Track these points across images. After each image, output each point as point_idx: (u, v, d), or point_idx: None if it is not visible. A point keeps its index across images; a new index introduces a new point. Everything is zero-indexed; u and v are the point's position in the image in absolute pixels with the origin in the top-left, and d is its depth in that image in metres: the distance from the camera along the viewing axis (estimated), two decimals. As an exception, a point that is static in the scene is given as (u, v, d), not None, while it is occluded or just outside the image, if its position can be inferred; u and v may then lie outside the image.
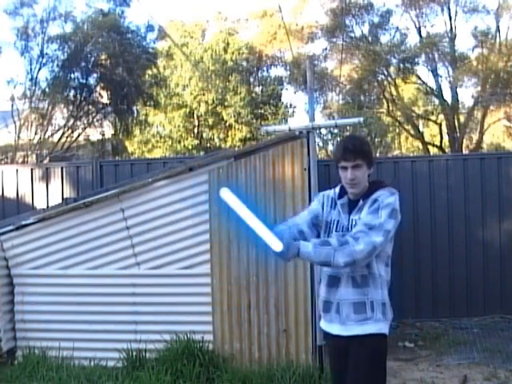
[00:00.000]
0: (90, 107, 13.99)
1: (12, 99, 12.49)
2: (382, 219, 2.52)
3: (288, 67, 20.41)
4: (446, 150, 16.72)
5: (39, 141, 12.67)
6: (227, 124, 20.87)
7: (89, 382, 4.78)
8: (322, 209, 2.76)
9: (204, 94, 20.85)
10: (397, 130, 19.98)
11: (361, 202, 2.65)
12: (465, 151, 15.97)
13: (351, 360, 2.59)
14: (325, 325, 2.76)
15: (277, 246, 2.33)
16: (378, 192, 2.63)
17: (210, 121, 21.02)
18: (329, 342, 2.82)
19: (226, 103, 20.62)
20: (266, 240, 2.33)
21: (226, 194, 2.41)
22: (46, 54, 12.86)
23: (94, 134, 14.50)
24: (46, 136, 13.01)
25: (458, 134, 15.66)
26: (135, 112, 15.12)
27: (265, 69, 22.38)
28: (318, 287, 2.86)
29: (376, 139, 20.68)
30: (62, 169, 7.59)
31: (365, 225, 2.52)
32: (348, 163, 2.61)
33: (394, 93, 16.92)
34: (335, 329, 2.66)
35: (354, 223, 2.62)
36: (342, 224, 2.67)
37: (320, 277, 2.79)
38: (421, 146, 18.28)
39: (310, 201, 4.66)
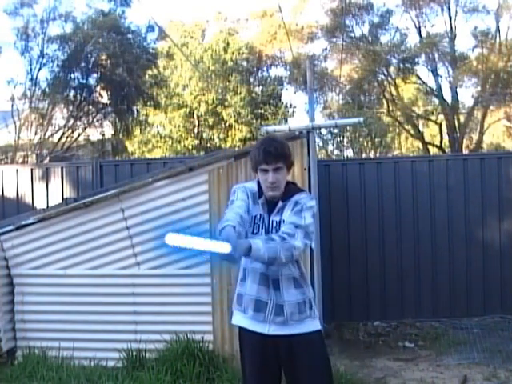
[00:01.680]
0: (90, 107, 14.00)
1: (12, 99, 12.50)
2: (307, 221, 2.57)
3: (288, 67, 20.44)
4: (446, 150, 16.73)
5: (39, 141, 12.68)
6: (227, 124, 20.88)
7: (89, 382, 4.77)
8: (248, 202, 2.70)
9: (204, 94, 20.86)
10: (397, 130, 20.00)
11: (280, 203, 2.65)
12: (465, 151, 15.98)
13: (301, 360, 2.60)
14: (250, 323, 2.66)
15: (224, 248, 2.24)
16: (298, 195, 2.65)
17: (210, 121, 21.03)
18: (250, 340, 2.69)
19: (226, 103, 20.63)
20: (214, 249, 2.24)
21: (171, 239, 2.25)
22: (46, 54, 12.88)
23: (94, 134, 14.51)
24: (46, 136, 13.02)
25: (458, 134, 15.67)
26: (135, 112, 15.13)
27: (265, 69, 22.40)
28: (238, 283, 2.73)
29: (376, 139, 20.71)
30: (62, 169, 7.59)
31: (291, 224, 2.54)
32: (269, 166, 2.59)
33: (394, 93, 16.93)
34: (271, 329, 2.62)
35: (274, 224, 2.63)
36: (265, 222, 2.66)
37: (243, 273, 2.70)
38: (421, 146, 18.29)
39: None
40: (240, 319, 2.72)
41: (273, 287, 2.61)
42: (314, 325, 2.67)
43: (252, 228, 2.66)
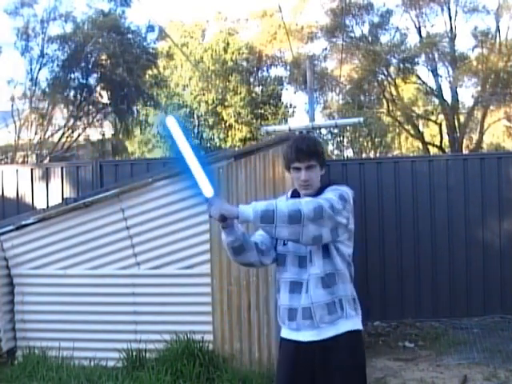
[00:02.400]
0: (90, 107, 14.01)
1: (12, 99, 12.51)
2: (327, 195, 2.46)
3: (288, 67, 20.45)
4: (446, 150, 16.73)
5: (39, 141, 12.69)
6: (227, 124, 20.89)
7: (89, 382, 4.78)
8: None
9: (204, 94, 20.87)
10: (397, 130, 20.00)
11: None
12: (465, 151, 15.98)
13: (333, 364, 2.49)
14: (289, 333, 2.58)
15: (208, 191, 2.23)
16: (331, 187, 2.59)
17: (210, 121, 21.04)
18: (286, 349, 2.60)
19: (226, 103, 20.63)
20: (199, 183, 2.24)
21: (171, 122, 2.30)
22: (47, 54, 12.89)
23: (94, 134, 14.51)
24: (46, 136, 13.02)
25: (458, 134, 15.68)
26: (135, 112, 15.14)
27: (265, 69, 22.41)
28: (276, 296, 2.66)
29: (376, 139, 20.71)
30: (62, 169, 7.59)
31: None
32: (301, 164, 2.53)
33: (394, 93, 16.93)
34: (306, 335, 2.53)
35: None
36: None
37: (278, 285, 2.63)
38: (421, 146, 18.30)
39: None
40: (282, 331, 2.66)
41: (302, 291, 2.52)
42: (347, 325, 2.52)
43: (283, 240, 2.58)
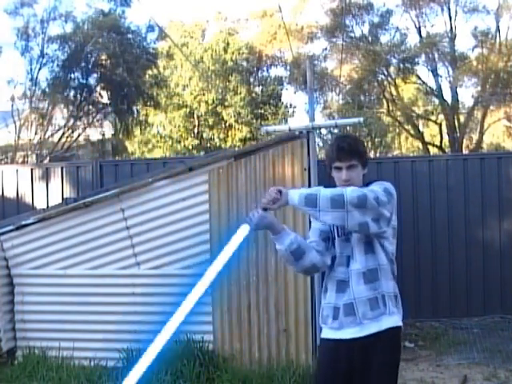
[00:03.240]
0: (90, 107, 14.00)
1: (12, 99, 12.51)
2: (372, 187, 2.46)
3: (288, 67, 20.42)
4: (446, 150, 16.71)
5: (39, 141, 12.69)
6: (227, 124, 20.88)
7: (89, 382, 4.78)
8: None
9: (204, 94, 20.85)
10: (397, 130, 19.98)
11: None
12: (465, 151, 15.96)
13: (371, 360, 2.46)
14: (332, 333, 2.56)
15: (244, 229, 2.29)
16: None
17: (210, 121, 21.02)
18: (329, 350, 2.58)
19: (226, 103, 20.62)
20: (237, 241, 2.31)
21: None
22: (47, 54, 12.89)
23: (94, 134, 14.51)
24: (46, 136, 13.02)
25: (458, 134, 15.66)
26: (135, 112, 15.13)
27: (265, 69, 22.39)
28: (321, 297, 2.65)
29: (376, 139, 20.69)
30: (62, 169, 7.59)
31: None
32: (343, 163, 2.52)
33: (394, 93, 16.91)
34: (348, 333, 2.49)
35: None
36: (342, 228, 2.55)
37: (326, 285, 2.63)
38: (421, 146, 18.27)
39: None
40: (323, 331, 2.62)
41: (344, 287, 2.50)
42: (389, 321, 2.49)
43: (331, 240, 2.60)
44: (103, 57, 13.44)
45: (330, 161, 2.58)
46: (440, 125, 17.02)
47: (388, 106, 16.82)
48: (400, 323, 2.55)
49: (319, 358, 2.68)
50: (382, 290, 2.50)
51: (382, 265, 2.51)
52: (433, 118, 17.69)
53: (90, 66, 13.27)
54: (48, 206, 6.54)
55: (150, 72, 14.94)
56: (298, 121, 25.04)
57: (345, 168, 2.52)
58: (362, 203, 2.32)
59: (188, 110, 21.06)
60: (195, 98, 20.85)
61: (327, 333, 2.59)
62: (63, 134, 13.43)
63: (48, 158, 12.41)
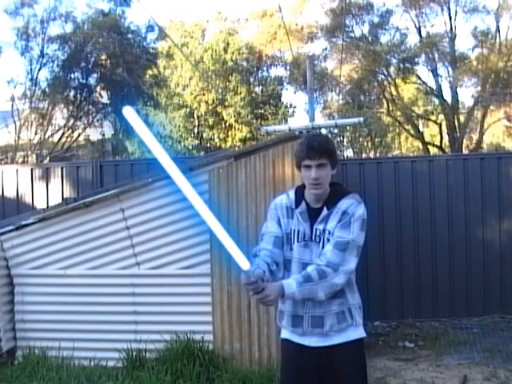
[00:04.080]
0: (90, 107, 14.00)
1: (12, 99, 12.50)
2: (355, 234, 2.45)
3: (288, 67, 20.45)
4: (446, 150, 16.72)
5: (39, 141, 12.68)
6: (227, 124, 20.88)
7: (89, 381, 4.77)
8: (280, 224, 2.58)
9: (204, 94, 20.86)
10: (397, 130, 20.01)
11: (325, 210, 2.51)
12: (465, 151, 15.97)
13: (341, 370, 2.52)
14: (292, 336, 2.59)
15: (244, 264, 2.16)
16: (345, 201, 2.51)
17: (210, 121, 21.03)
18: (291, 350, 2.60)
19: (226, 103, 20.63)
20: (234, 255, 2.16)
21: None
22: (47, 54, 12.88)
23: (94, 134, 14.51)
24: (46, 136, 13.02)
25: (458, 134, 15.67)
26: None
27: (265, 69, 22.41)
28: (279, 300, 2.55)
29: (376, 139, 20.71)
30: (62, 169, 7.59)
31: (337, 244, 2.43)
32: (313, 162, 2.47)
33: (394, 93, 16.92)
34: (312, 341, 2.53)
35: (318, 233, 2.50)
36: (303, 233, 2.53)
37: None
38: (421, 146, 18.29)
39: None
40: (283, 332, 2.65)
41: (307, 300, 2.48)
42: (355, 333, 2.55)
43: (289, 244, 2.56)
44: (103, 57, 13.43)
45: (299, 159, 2.53)
46: (440, 125, 17.03)
47: (388, 106, 16.83)
48: (364, 334, 2.61)
49: (284, 361, 2.66)
50: (349, 303, 2.54)
51: (349, 278, 2.53)
52: (433, 118, 17.70)
53: (89, 66, 13.26)
54: (48, 206, 6.54)
55: (149, 72, 14.95)
56: (298, 121, 25.08)
57: (314, 166, 2.47)
58: (333, 293, 2.44)
59: (188, 109, 21.08)
60: (195, 98, 20.86)
61: (289, 335, 2.60)
62: (63, 134, 13.42)
63: (48, 158, 12.41)
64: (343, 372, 2.53)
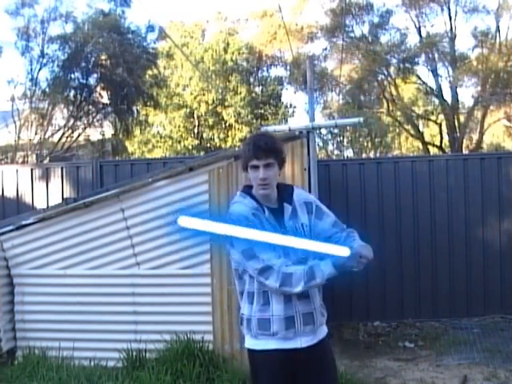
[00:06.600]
0: (90, 107, 14.00)
1: (12, 99, 12.49)
2: (331, 213, 2.64)
3: (288, 67, 20.44)
4: (446, 150, 16.72)
5: (39, 141, 12.67)
6: (227, 124, 20.89)
7: (89, 381, 4.77)
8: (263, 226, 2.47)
9: (204, 94, 20.87)
10: (397, 130, 20.02)
11: (288, 206, 2.52)
12: (465, 151, 15.96)
13: (317, 366, 2.52)
14: (280, 343, 2.47)
15: (343, 251, 2.10)
16: (297, 192, 2.62)
17: (210, 121, 21.04)
18: (276, 362, 2.49)
19: (226, 103, 20.64)
20: (330, 252, 2.10)
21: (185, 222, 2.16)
22: (47, 54, 12.88)
23: (94, 134, 14.50)
24: (46, 136, 13.01)
25: (458, 134, 15.66)
26: (135, 112, 15.12)
27: (265, 69, 22.41)
28: (256, 310, 2.48)
29: (376, 139, 20.71)
30: (62, 169, 7.59)
31: (336, 224, 2.61)
32: (260, 162, 2.44)
33: (394, 93, 16.92)
34: (303, 341, 2.49)
35: (294, 229, 2.48)
36: (280, 234, 2.42)
37: (264, 298, 2.47)
38: (421, 146, 18.29)
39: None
40: (266, 343, 2.49)
41: (293, 298, 2.45)
42: (325, 326, 2.63)
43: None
44: (103, 57, 13.42)
45: (245, 160, 2.49)
46: (440, 125, 17.03)
47: (388, 106, 16.82)
48: None
49: (264, 371, 2.54)
50: (321, 299, 2.61)
51: None
52: (433, 117, 17.70)
53: (90, 66, 13.26)
54: (48, 206, 6.53)
55: (150, 72, 14.94)
56: (298, 121, 25.09)
57: (262, 166, 2.45)
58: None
59: (188, 110, 21.08)
60: (195, 98, 20.86)
61: (279, 343, 2.48)
62: (63, 134, 13.41)
63: (48, 158, 12.40)
64: (329, 366, 2.59)
